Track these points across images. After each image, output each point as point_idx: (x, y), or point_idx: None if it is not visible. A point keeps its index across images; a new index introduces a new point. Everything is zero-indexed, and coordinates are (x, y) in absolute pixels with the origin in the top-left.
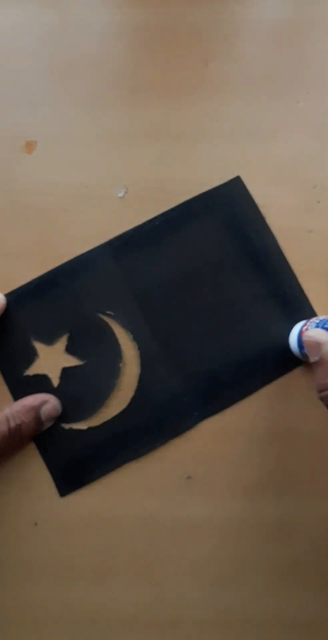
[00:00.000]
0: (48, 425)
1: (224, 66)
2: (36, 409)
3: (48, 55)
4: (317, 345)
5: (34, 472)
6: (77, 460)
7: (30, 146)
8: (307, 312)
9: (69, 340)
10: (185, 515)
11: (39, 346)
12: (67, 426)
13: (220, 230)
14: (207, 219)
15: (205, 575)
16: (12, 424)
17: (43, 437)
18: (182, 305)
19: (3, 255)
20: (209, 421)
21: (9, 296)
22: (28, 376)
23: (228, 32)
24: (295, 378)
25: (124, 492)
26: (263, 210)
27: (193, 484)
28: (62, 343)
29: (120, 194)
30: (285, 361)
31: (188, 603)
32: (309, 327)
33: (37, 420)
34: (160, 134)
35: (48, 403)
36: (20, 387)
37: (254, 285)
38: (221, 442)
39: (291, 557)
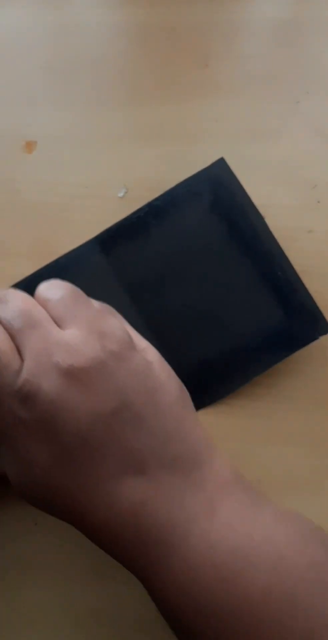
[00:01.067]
0: None
1: (224, 66)
2: None
3: (48, 55)
4: None
5: None
6: None
7: (30, 146)
8: (301, 293)
9: None
10: None
11: None
12: None
13: (207, 215)
14: (193, 205)
15: None
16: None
17: None
18: (175, 295)
19: (3, 255)
20: (205, 411)
21: None
22: None
23: (228, 32)
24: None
25: None
26: (263, 210)
27: None
28: None
29: (120, 194)
30: (280, 347)
31: None
32: None
33: None
34: (160, 134)
35: None
36: None
37: (244, 270)
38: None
39: None
